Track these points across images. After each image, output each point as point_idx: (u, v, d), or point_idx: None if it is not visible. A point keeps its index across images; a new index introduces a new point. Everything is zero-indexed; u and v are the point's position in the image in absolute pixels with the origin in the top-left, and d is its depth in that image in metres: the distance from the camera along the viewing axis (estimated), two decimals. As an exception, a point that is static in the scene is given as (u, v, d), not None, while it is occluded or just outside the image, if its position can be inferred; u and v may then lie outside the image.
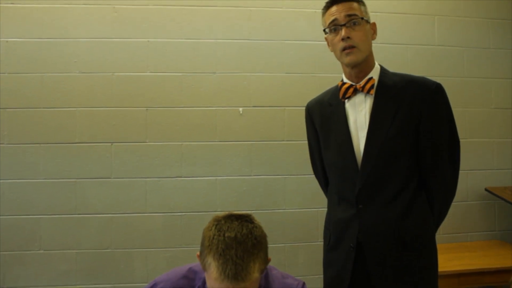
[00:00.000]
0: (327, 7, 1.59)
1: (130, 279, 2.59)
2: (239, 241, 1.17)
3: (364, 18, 1.55)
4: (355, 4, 1.55)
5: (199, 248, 1.25)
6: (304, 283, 1.41)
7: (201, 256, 1.22)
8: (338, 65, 2.76)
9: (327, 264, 1.67)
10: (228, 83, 2.71)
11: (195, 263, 1.47)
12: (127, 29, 2.64)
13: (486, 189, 2.81)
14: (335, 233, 1.62)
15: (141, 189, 2.62)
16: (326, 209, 2.72)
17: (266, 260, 1.24)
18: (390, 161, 1.51)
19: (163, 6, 2.66)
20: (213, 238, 1.19)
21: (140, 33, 2.65)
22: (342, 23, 1.53)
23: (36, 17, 2.57)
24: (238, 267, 1.14)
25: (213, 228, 1.22)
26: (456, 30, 2.90)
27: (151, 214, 2.62)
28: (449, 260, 2.42)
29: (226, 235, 1.18)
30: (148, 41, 2.65)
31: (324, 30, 1.61)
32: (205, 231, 1.24)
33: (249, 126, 2.73)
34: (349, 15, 1.53)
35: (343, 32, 1.52)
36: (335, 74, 2.77)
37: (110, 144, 2.60)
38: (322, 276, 1.73)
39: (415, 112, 1.51)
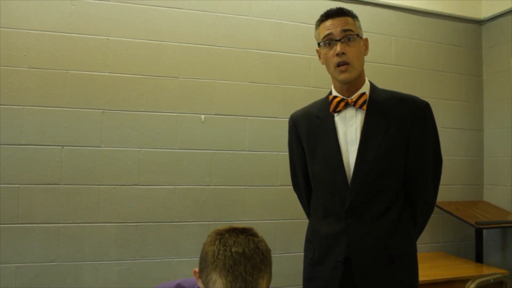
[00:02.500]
0: (322, 20, 1.58)
1: (78, 295, 2.38)
2: (247, 256, 1.10)
3: (359, 34, 1.56)
4: (350, 19, 1.55)
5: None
6: None
7: (203, 273, 1.13)
8: (302, 77, 2.80)
9: (310, 279, 1.64)
10: (191, 89, 2.62)
11: (183, 279, 1.37)
12: (85, 24, 2.45)
13: (433, 204, 2.96)
14: (320, 248, 1.60)
15: (94, 197, 2.42)
16: (287, 220, 2.73)
17: (271, 276, 1.18)
18: (380, 176, 1.52)
19: (126, 4, 2.51)
20: (218, 253, 1.10)
21: (100, 30, 2.47)
22: (337, 38, 1.52)
23: (-20, 3, 2.31)
24: (248, 284, 1.07)
25: (217, 242, 1.13)
26: (411, 52, 3.06)
27: (104, 224, 2.43)
28: (404, 272, 2.51)
29: (233, 250, 1.10)
30: (107, 39, 2.48)
31: (318, 44, 1.59)
32: (206, 246, 1.15)
33: (210, 134, 2.65)
34: (345, 30, 1.53)
35: (338, 48, 1.52)
36: (298, 87, 2.81)
37: (60, 147, 2.39)
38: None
39: (406, 129, 1.54)
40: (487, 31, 3.23)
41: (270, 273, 1.16)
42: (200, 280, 1.17)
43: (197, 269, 1.19)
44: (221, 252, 1.11)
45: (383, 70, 2.96)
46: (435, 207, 2.94)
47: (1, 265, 2.28)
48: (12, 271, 2.30)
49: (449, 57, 3.17)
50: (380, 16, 2.99)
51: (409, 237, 1.58)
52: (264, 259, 1.14)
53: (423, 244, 3.03)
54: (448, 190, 3.11)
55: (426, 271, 2.56)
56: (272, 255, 2.80)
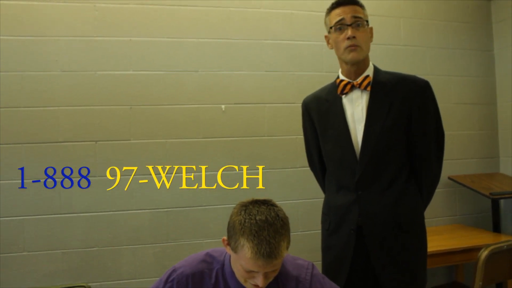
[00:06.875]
0: (333, 7, 1.70)
1: (118, 276, 2.60)
2: (269, 223, 1.28)
3: (367, 21, 1.69)
4: (359, 8, 1.68)
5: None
6: (313, 264, 1.53)
7: (232, 239, 1.31)
8: (315, 63, 2.93)
9: (327, 247, 1.80)
10: (210, 81, 2.78)
11: (211, 249, 1.55)
12: (108, 27, 2.64)
13: (449, 178, 3.07)
14: (335, 218, 1.75)
15: (127, 187, 2.63)
16: (308, 200, 2.88)
17: (290, 240, 1.35)
18: (386, 150, 1.67)
19: (144, 6, 2.69)
20: (245, 221, 1.28)
21: (122, 31, 2.66)
22: (349, 23, 1.65)
23: (13, 15, 2.51)
24: (271, 246, 1.24)
25: (242, 212, 1.31)
26: (419, 32, 3.14)
27: (138, 211, 2.65)
28: (421, 243, 2.63)
29: (257, 218, 1.28)
30: (130, 40, 2.67)
31: (330, 28, 1.71)
32: (233, 217, 1.33)
33: (231, 123, 2.81)
34: (355, 17, 1.66)
35: (349, 32, 1.64)
36: (311, 72, 2.95)
37: (94, 142, 2.60)
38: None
39: (408, 107, 1.67)
40: (496, 5, 3.27)
41: (289, 237, 1.34)
42: (228, 247, 1.35)
43: (225, 237, 1.37)
44: (247, 220, 1.29)
45: (393, 51, 3.06)
46: (451, 181, 3.06)
47: (49, 251, 2.52)
48: (59, 256, 2.53)
49: (459, 34, 3.23)
50: (387, -1, 3.08)
51: (416, 206, 1.71)
52: (284, 225, 1.32)
53: (441, 217, 3.14)
54: (465, 164, 3.20)
55: (444, 241, 2.68)
56: (295, 233, 3.00)
